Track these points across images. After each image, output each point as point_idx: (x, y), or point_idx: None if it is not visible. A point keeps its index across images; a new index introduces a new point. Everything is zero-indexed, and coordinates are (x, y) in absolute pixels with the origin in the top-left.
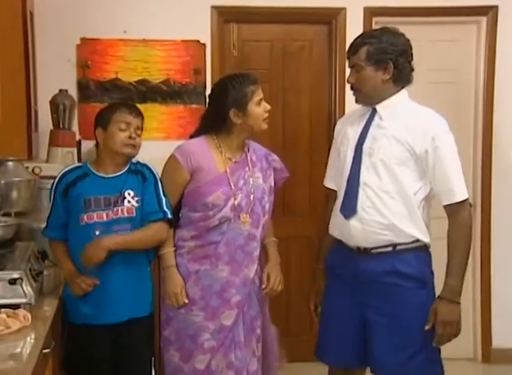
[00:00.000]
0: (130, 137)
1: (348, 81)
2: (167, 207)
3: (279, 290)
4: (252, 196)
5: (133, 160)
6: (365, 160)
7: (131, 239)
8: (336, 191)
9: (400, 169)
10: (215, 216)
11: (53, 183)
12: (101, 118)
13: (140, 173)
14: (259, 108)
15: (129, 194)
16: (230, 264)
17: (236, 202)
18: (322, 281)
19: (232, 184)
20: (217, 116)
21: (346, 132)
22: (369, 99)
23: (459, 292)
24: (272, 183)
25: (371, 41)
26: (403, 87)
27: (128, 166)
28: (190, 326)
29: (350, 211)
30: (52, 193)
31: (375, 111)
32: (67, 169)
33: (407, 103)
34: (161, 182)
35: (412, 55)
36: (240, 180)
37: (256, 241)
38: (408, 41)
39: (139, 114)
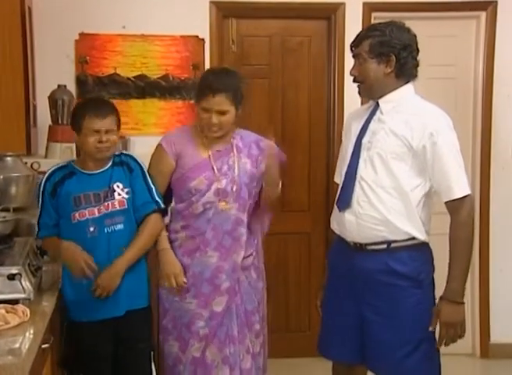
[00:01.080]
0: (101, 142)
1: (351, 73)
2: (158, 196)
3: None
4: (238, 181)
5: (116, 152)
6: (363, 154)
7: (136, 249)
8: None
9: (396, 164)
10: (198, 201)
11: (40, 184)
12: (73, 122)
13: (126, 165)
14: (203, 114)
15: (118, 186)
16: (218, 250)
17: (219, 187)
18: None
19: (215, 169)
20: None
21: (351, 126)
22: (371, 92)
23: (461, 293)
24: (264, 169)
25: (374, 33)
26: (407, 82)
27: (112, 160)
28: (185, 314)
29: (345, 204)
30: (41, 193)
31: (377, 105)
32: (53, 168)
33: (411, 98)
34: (148, 172)
35: (418, 50)
36: (224, 165)
37: (243, 227)
38: (414, 35)
39: (108, 113)
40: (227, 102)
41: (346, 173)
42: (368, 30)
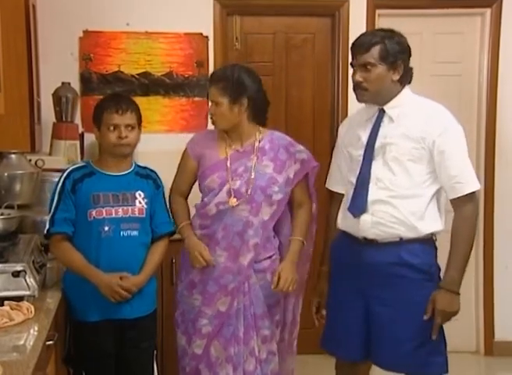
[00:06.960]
0: (120, 137)
1: (354, 80)
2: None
3: (289, 291)
4: (253, 183)
5: (140, 164)
6: (378, 158)
7: (154, 265)
8: (340, 194)
9: (413, 165)
10: (211, 202)
11: (59, 181)
12: (95, 116)
13: (152, 179)
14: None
15: (140, 195)
16: (227, 250)
17: (233, 187)
18: (326, 284)
19: (229, 170)
20: None
21: (356, 134)
22: (375, 98)
23: (458, 283)
24: (292, 175)
25: (384, 40)
26: (405, 85)
27: (133, 168)
28: (191, 310)
29: (360, 210)
30: (59, 189)
31: (382, 112)
32: (73, 167)
33: (413, 99)
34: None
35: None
36: (241, 167)
37: (253, 230)
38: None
39: (127, 109)
40: (220, 93)
41: (358, 179)
42: (375, 36)
